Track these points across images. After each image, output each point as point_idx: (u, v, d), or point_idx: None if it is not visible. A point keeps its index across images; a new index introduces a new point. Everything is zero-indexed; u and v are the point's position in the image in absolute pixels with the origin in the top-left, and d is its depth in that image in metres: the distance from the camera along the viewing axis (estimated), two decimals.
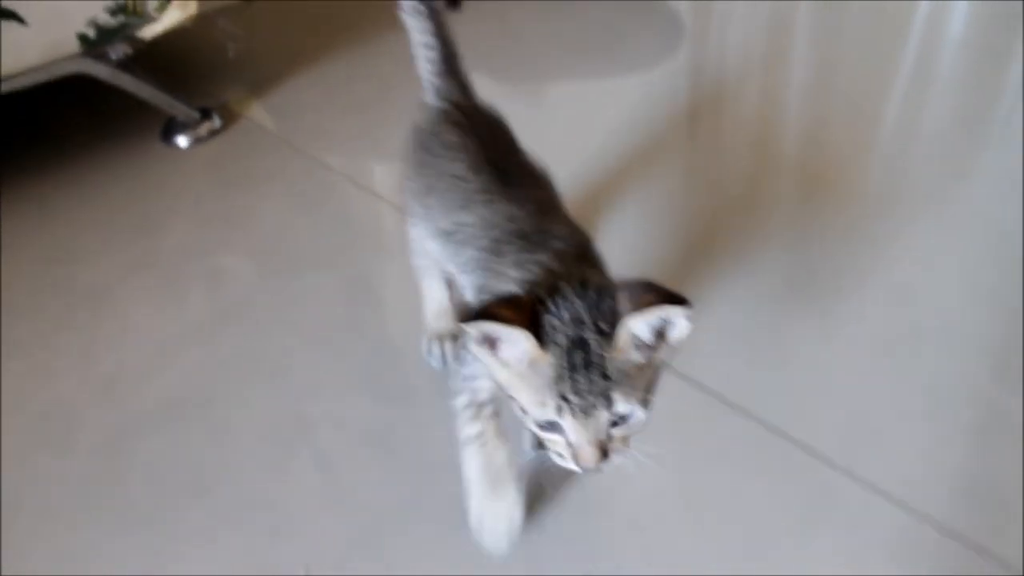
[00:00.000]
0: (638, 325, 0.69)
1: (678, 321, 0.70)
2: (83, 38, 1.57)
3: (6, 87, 1.54)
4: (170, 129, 1.87)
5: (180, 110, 1.85)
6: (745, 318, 1.27)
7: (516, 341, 0.70)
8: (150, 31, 1.69)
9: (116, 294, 1.43)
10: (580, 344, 0.69)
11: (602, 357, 0.69)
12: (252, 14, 2.42)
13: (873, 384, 1.14)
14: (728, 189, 1.57)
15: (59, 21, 1.53)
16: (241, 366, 1.26)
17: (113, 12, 1.57)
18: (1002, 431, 1.06)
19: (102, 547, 1.01)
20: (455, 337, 1.20)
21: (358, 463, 1.08)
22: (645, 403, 0.72)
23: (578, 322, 0.70)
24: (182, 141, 1.86)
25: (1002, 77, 1.87)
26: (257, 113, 1.97)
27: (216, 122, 1.90)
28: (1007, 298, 1.26)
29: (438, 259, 1.03)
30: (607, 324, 0.70)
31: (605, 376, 0.69)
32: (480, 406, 0.89)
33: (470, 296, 0.91)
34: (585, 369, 0.69)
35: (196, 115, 1.88)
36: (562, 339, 0.70)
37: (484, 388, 0.88)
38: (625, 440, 0.73)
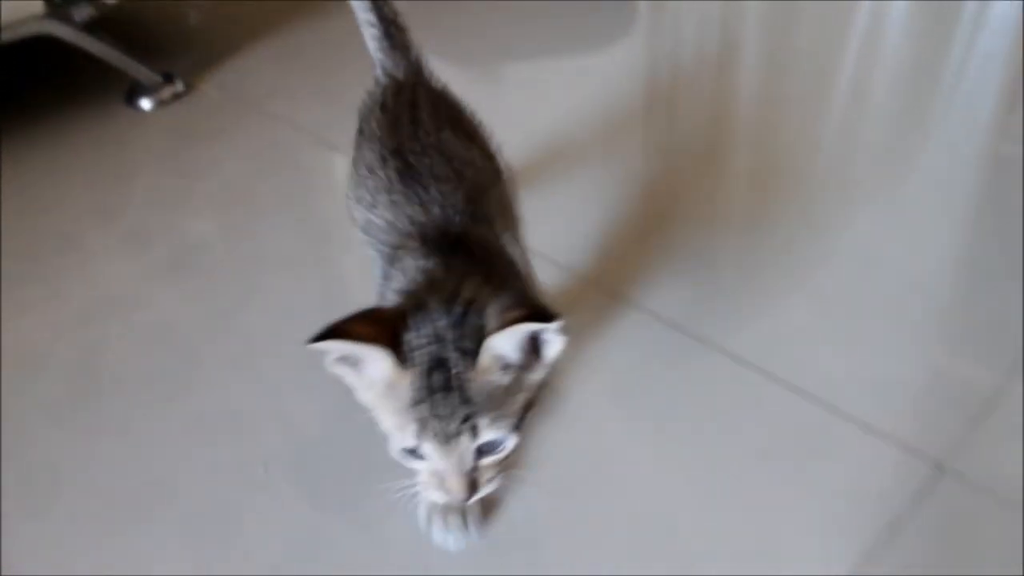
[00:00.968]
0: (502, 344, 0.64)
1: (550, 338, 0.65)
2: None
3: None
4: (134, 93, 1.94)
5: (143, 74, 1.92)
6: (702, 279, 1.37)
7: (373, 360, 0.64)
8: None
9: (85, 240, 1.50)
10: (439, 364, 0.64)
11: (463, 379, 0.64)
12: None
13: (832, 319, 1.24)
14: (684, 165, 1.65)
15: None
16: (205, 299, 1.34)
17: None
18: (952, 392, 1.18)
19: (78, 450, 1.10)
20: None
21: (317, 375, 1.18)
22: (516, 428, 0.67)
23: (439, 340, 0.65)
24: (146, 104, 1.93)
25: (943, 60, 1.96)
26: (218, 77, 2.04)
27: (179, 86, 1.97)
28: (955, 257, 1.36)
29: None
30: (470, 342, 0.64)
31: (466, 400, 0.63)
32: None
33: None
34: (444, 392, 0.63)
35: (159, 79, 1.95)
36: (421, 358, 0.64)
37: None
38: (497, 467, 0.68)
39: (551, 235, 1.31)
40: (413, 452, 0.67)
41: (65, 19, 1.72)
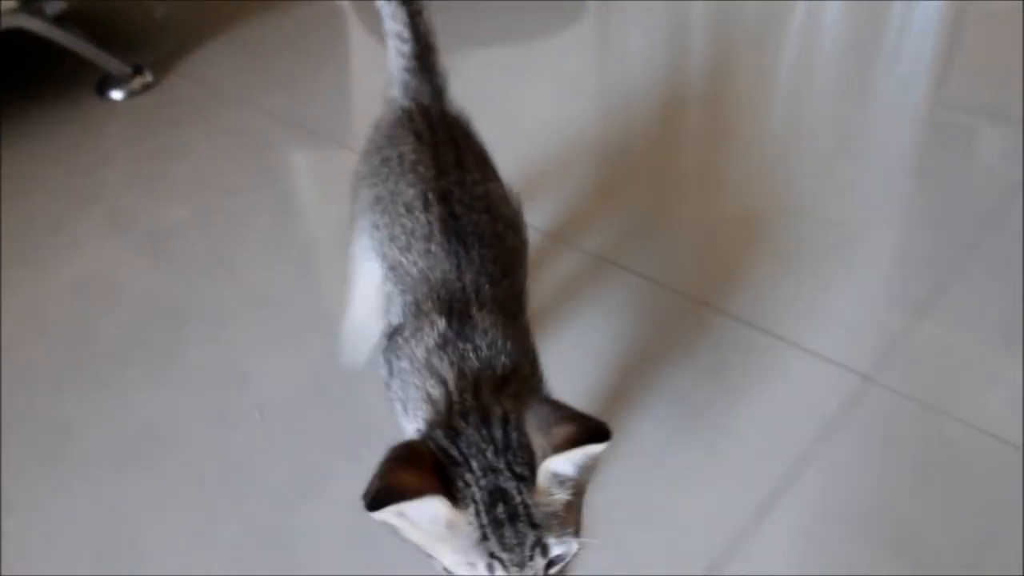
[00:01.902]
0: (560, 465, 0.62)
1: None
2: None
3: None
4: (105, 84, 2.00)
5: (114, 65, 1.98)
6: (649, 227, 1.49)
7: (427, 508, 0.61)
8: None
9: (71, 222, 1.58)
10: (499, 495, 0.62)
11: (527, 506, 0.62)
12: None
13: (771, 256, 1.36)
14: (639, 135, 1.74)
15: None
16: (187, 271, 1.43)
17: None
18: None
19: (81, 407, 1.18)
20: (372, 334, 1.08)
21: (306, 324, 1.27)
22: (578, 532, 0.65)
23: (492, 471, 0.62)
24: (116, 95, 1.99)
25: (881, 36, 2.08)
26: (185, 68, 2.11)
27: (148, 76, 2.03)
28: (890, 204, 1.49)
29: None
30: (523, 466, 0.63)
31: (534, 525, 0.62)
32: None
33: (392, 318, 0.84)
34: (511, 523, 0.61)
35: (129, 70, 2.01)
36: (478, 493, 0.62)
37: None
38: (563, 572, 0.66)
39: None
40: None
41: (37, 13, 1.78)
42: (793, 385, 1.12)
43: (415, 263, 0.81)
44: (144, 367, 1.24)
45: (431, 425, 0.69)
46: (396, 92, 0.99)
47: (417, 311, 0.79)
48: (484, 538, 0.61)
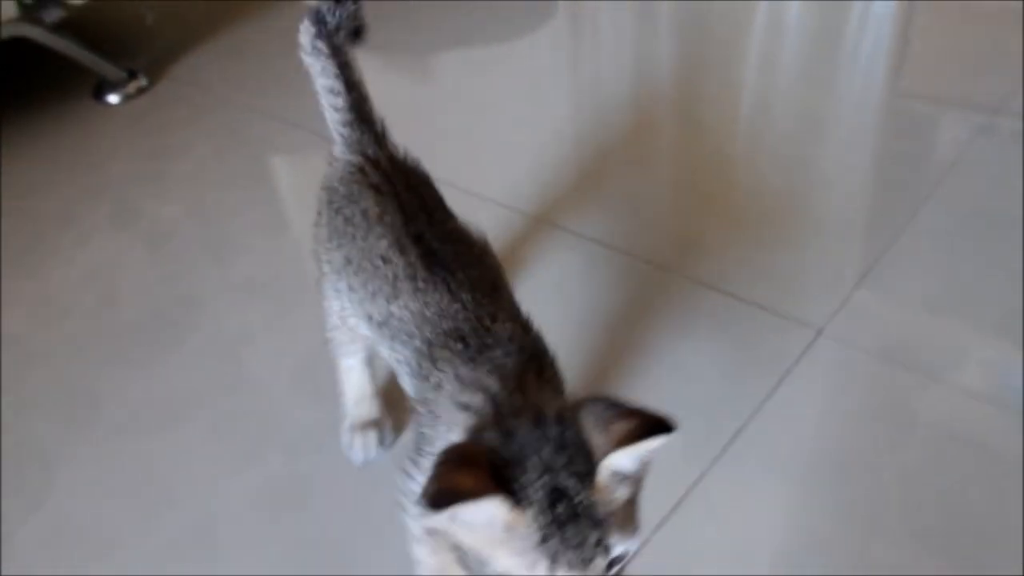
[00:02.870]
0: (621, 461, 0.61)
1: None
2: (20, 1, 1.79)
3: None
4: (101, 89, 2.09)
5: (109, 70, 2.08)
6: (619, 204, 1.61)
7: (485, 509, 0.59)
8: None
9: (78, 217, 1.67)
10: (559, 495, 0.60)
11: (588, 504, 0.61)
12: None
13: (741, 222, 1.49)
14: (612, 125, 1.85)
15: None
16: (191, 260, 1.53)
17: None
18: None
19: (109, 378, 1.29)
20: (379, 424, 1.12)
21: (298, 297, 1.38)
22: (637, 530, 0.65)
23: (550, 469, 0.61)
24: (113, 98, 2.09)
25: (842, 29, 2.23)
26: (177, 71, 2.21)
27: (143, 80, 2.13)
28: (850, 178, 1.64)
29: (363, 335, 0.94)
30: (581, 463, 0.62)
31: (595, 524, 0.61)
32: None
33: (407, 388, 0.83)
34: (573, 522, 0.60)
35: (124, 75, 2.10)
36: (537, 494, 0.60)
37: None
38: (622, 570, 0.65)
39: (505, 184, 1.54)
40: None
41: (36, 22, 1.87)
42: (753, 340, 1.25)
43: (406, 306, 0.81)
44: (159, 344, 1.35)
45: (478, 429, 0.67)
46: (339, 150, 0.97)
47: (429, 349, 0.78)
48: (545, 539, 0.60)
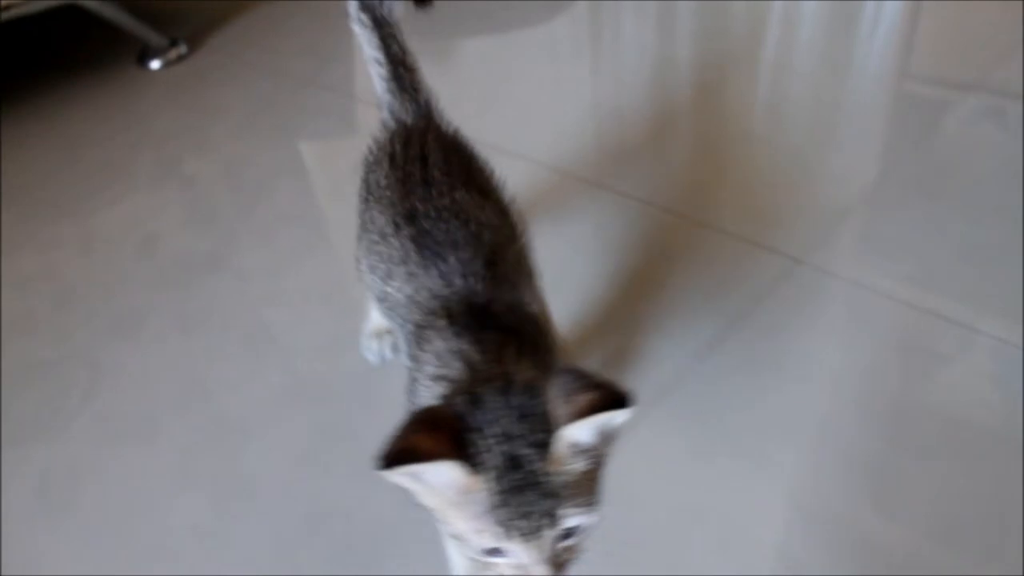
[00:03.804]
0: (577, 433, 0.61)
1: (622, 416, 0.60)
2: None
3: (9, 15, 1.90)
4: (144, 55, 2.24)
5: (153, 37, 2.22)
6: (645, 167, 1.71)
7: (441, 470, 0.60)
8: None
9: (125, 165, 1.82)
10: (514, 462, 0.61)
11: (541, 474, 0.61)
12: None
13: (738, 172, 1.58)
14: (634, 105, 1.95)
15: None
16: (226, 210, 1.66)
17: None
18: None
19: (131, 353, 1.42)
20: (394, 332, 1.08)
21: (324, 232, 1.50)
22: (595, 504, 0.64)
23: (508, 437, 0.61)
24: (155, 64, 2.23)
25: (857, 16, 2.32)
26: (216, 40, 2.35)
27: (183, 48, 2.27)
28: (848, 151, 1.72)
29: None
30: (542, 434, 0.61)
31: (547, 494, 0.61)
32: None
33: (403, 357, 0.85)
34: (524, 490, 0.60)
35: (166, 42, 2.25)
36: (494, 459, 0.61)
37: None
38: (579, 544, 0.65)
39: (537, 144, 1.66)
40: (495, 551, 0.63)
41: None
42: (733, 267, 1.34)
43: (400, 289, 0.83)
44: (198, 270, 1.48)
45: (453, 393, 0.69)
46: (385, 115, 1.02)
47: (418, 331, 0.79)
48: (497, 505, 0.60)
